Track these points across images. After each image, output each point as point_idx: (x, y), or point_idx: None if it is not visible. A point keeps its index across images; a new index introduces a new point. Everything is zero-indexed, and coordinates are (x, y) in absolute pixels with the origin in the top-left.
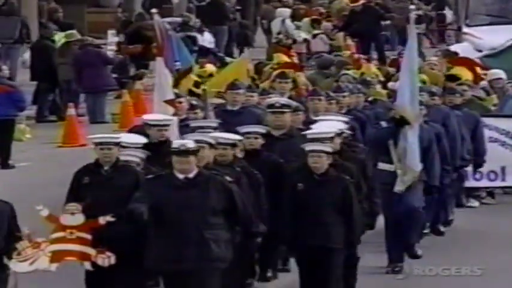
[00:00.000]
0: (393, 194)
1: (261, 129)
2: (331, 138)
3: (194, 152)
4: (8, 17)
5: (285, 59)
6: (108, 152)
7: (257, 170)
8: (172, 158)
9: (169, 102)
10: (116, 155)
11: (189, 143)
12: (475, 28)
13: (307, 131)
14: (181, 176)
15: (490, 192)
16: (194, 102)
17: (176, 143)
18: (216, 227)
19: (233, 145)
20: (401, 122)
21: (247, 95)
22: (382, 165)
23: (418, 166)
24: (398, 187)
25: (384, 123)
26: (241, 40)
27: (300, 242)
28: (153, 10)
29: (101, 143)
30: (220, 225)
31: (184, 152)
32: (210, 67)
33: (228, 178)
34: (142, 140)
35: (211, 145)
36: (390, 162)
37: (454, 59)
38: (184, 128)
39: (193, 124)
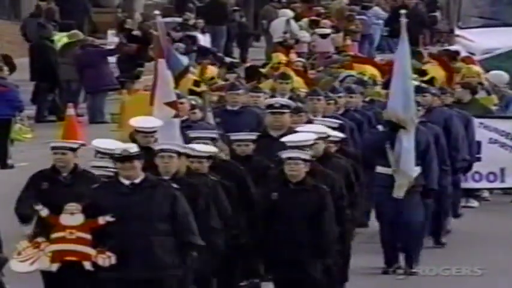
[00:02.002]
0: (391, 199)
1: (251, 135)
2: (311, 146)
3: (138, 157)
4: (38, 18)
5: (283, 58)
6: (61, 156)
7: (248, 174)
8: (116, 165)
9: (171, 104)
10: (72, 161)
11: (132, 147)
12: (467, 30)
13: (285, 138)
14: (126, 182)
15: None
16: (193, 102)
17: (118, 148)
18: (163, 233)
19: (209, 158)
20: (396, 126)
21: (253, 95)
22: (380, 169)
23: (413, 171)
24: (397, 192)
25: (380, 127)
26: (241, 40)
27: (276, 255)
28: (156, 12)
29: (55, 147)
30: (167, 232)
31: (127, 158)
32: (211, 69)
33: (174, 185)
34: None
35: (179, 154)
36: (388, 165)
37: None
38: (186, 129)
39: (191, 134)
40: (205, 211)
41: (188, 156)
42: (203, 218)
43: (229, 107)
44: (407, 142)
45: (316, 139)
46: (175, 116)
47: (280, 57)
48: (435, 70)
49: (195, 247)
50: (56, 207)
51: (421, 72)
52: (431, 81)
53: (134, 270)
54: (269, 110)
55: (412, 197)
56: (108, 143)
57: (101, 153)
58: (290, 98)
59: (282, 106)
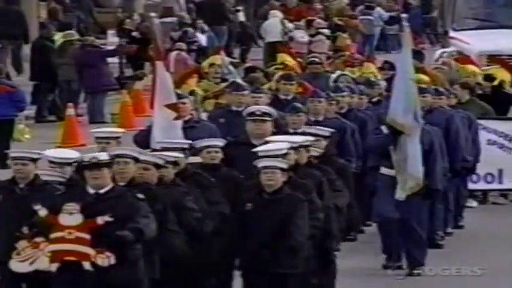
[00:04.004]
0: (392, 199)
1: (219, 141)
2: (285, 155)
3: (107, 165)
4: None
5: (288, 59)
6: (22, 167)
7: (217, 185)
8: (85, 173)
9: (171, 106)
10: (32, 172)
11: (102, 155)
12: (462, 32)
13: (257, 148)
14: (92, 191)
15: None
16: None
17: (87, 156)
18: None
19: (175, 163)
20: (398, 131)
21: (255, 96)
22: (383, 170)
23: (420, 173)
24: (399, 195)
25: (384, 129)
26: (244, 40)
27: (250, 267)
28: (152, 14)
29: (15, 158)
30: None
31: (96, 165)
32: (218, 57)
33: (139, 195)
34: (74, 155)
35: (136, 160)
36: (391, 167)
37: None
38: (189, 130)
39: (161, 145)
40: (161, 215)
41: (158, 166)
42: (158, 221)
43: (234, 108)
44: (411, 146)
45: (289, 148)
46: (176, 118)
47: (285, 57)
48: (502, 73)
49: (134, 230)
50: (10, 219)
51: (487, 77)
52: (501, 85)
53: (89, 282)
54: (250, 118)
55: (414, 200)
56: (59, 152)
57: (53, 163)
58: (293, 99)
59: (264, 114)
